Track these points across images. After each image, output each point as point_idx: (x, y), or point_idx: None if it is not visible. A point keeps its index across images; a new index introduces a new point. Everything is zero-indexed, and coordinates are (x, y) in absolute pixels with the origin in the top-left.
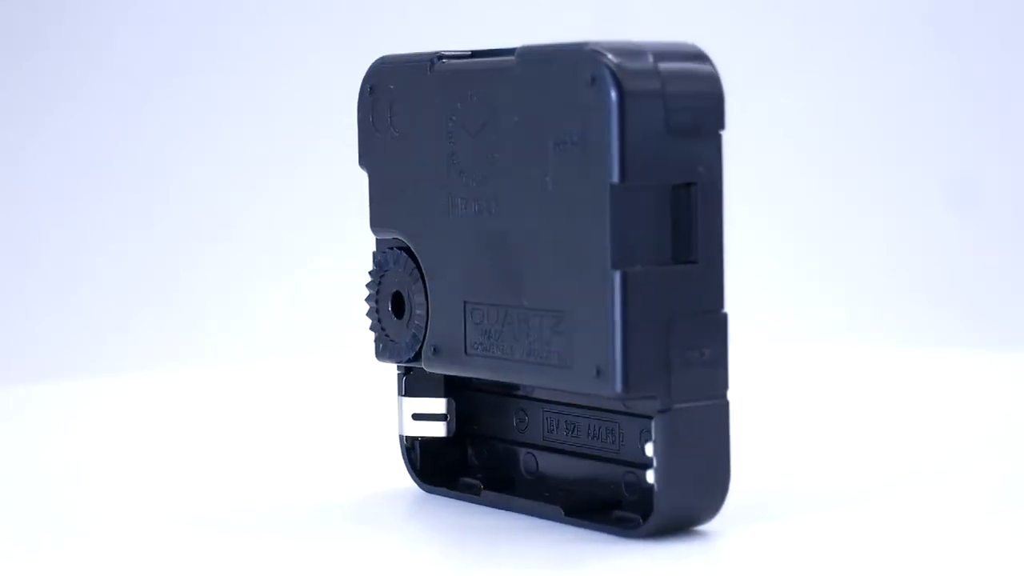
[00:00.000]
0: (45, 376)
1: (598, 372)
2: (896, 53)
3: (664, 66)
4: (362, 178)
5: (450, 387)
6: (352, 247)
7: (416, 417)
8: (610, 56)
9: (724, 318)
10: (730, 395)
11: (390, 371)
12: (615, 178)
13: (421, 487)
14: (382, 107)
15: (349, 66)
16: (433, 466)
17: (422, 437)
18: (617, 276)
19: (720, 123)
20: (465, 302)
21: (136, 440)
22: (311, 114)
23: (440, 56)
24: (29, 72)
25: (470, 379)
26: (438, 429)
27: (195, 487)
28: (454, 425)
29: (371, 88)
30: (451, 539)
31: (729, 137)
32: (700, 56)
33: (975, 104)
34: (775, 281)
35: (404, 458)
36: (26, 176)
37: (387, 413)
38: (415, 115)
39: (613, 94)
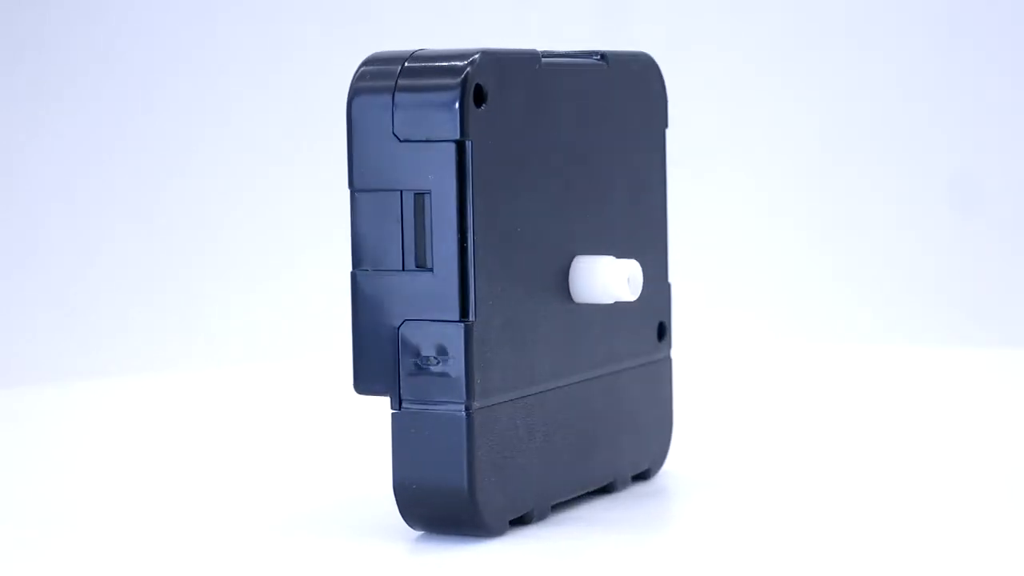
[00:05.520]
0: (40, 379)
1: None
2: (899, 53)
3: (407, 76)
4: None
5: None
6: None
7: None
8: (362, 66)
9: (461, 328)
10: (477, 404)
11: None
12: (349, 184)
13: None
14: None
15: (347, 67)
16: None
17: None
18: (350, 277)
19: (453, 132)
20: None
21: (134, 442)
22: (310, 114)
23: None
24: (29, 72)
25: None
26: None
27: (192, 489)
28: None
29: None
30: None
31: (731, 137)
32: (455, 69)
33: (978, 104)
34: (776, 280)
35: None
36: (25, 177)
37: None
38: None
39: (351, 105)
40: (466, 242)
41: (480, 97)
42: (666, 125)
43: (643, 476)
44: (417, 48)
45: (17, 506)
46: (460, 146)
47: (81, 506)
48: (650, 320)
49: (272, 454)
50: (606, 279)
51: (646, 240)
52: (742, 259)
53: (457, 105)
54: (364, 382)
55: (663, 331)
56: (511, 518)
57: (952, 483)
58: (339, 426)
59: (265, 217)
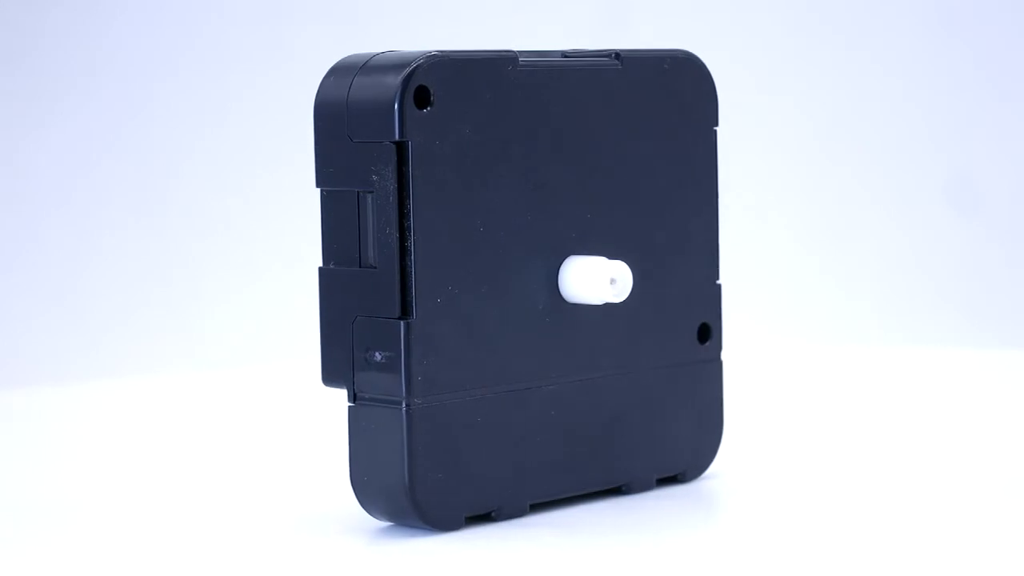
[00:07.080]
0: (40, 379)
1: None
2: (898, 54)
3: (361, 78)
4: None
5: None
6: None
7: None
8: (330, 69)
9: (400, 326)
10: (419, 400)
11: None
12: (316, 183)
13: None
14: None
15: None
16: None
17: None
18: (317, 272)
19: (388, 133)
20: None
21: (133, 443)
22: (311, 114)
23: None
24: (29, 72)
25: None
26: None
27: (190, 490)
28: None
29: None
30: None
31: (729, 137)
32: (398, 72)
33: (976, 103)
34: (776, 281)
35: None
36: (25, 177)
37: None
38: None
39: (315, 106)
40: (407, 241)
41: (425, 99)
42: (715, 123)
43: (676, 480)
44: (383, 51)
45: (17, 506)
46: (400, 146)
47: (80, 506)
48: (688, 321)
49: (268, 453)
50: (588, 279)
51: (682, 241)
52: (741, 260)
53: (396, 106)
54: (329, 375)
55: (706, 333)
56: (469, 515)
57: (953, 484)
58: (334, 424)
59: (265, 217)
